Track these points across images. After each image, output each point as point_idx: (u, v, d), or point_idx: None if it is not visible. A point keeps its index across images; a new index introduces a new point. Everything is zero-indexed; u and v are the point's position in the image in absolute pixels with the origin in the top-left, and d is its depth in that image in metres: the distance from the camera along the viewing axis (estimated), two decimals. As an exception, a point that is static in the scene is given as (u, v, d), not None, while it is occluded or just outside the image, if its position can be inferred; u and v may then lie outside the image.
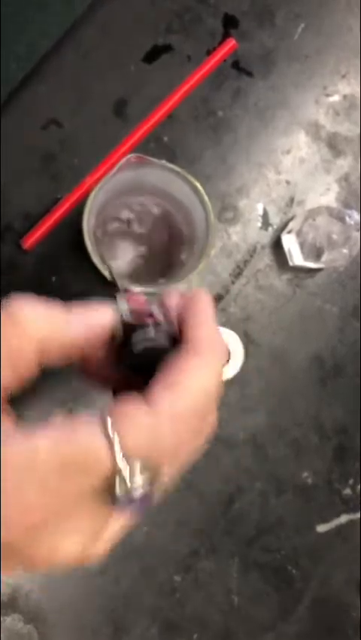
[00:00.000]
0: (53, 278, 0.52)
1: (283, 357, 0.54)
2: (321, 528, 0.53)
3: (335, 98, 0.56)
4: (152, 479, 0.21)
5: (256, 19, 0.56)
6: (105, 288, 0.52)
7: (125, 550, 0.51)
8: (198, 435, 0.23)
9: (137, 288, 0.27)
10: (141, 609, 0.51)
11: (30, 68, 0.53)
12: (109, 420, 0.20)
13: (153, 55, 0.54)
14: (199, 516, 0.52)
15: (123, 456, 0.20)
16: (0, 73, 0.51)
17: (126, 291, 0.28)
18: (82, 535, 0.21)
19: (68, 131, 0.53)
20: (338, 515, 0.53)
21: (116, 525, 0.23)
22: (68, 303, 0.24)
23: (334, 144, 0.56)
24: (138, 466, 0.21)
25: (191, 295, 0.25)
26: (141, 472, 0.21)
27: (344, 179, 0.56)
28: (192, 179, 0.47)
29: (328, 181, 0.56)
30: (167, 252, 0.52)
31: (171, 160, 0.53)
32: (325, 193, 0.56)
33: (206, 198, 0.47)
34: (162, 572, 0.51)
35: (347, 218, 0.50)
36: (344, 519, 0.53)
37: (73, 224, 0.52)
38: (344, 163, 0.56)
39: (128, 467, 0.20)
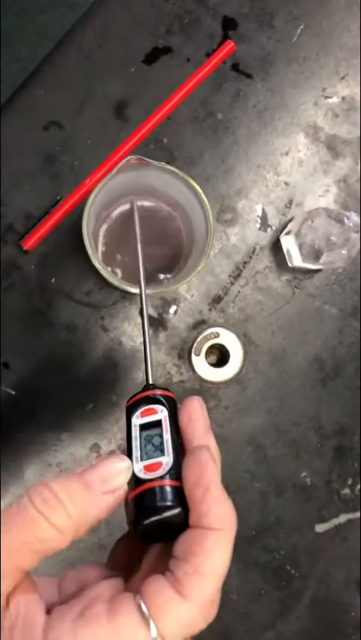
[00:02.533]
0: (53, 279, 0.52)
1: (283, 357, 0.54)
2: (320, 527, 0.53)
3: (334, 99, 0.57)
4: None
5: (255, 21, 0.56)
6: (105, 289, 0.53)
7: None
8: (218, 603, 0.25)
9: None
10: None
11: (31, 70, 0.53)
12: (153, 627, 0.22)
13: (153, 57, 0.55)
14: (199, 515, 0.52)
15: None
16: (1, 74, 0.52)
17: (139, 403, 0.30)
18: None
19: (68, 132, 0.53)
20: (337, 515, 0.53)
21: None
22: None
23: (333, 146, 0.56)
24: None
25: (198, 458, 0.26)
26: None
27: (343, 181, 0.56)
28: (191, 181, 0.48)
29: (327, 182, 0.56)
30: (166, 253, 0.52)
31: (171, 161, 0.54)
32: (324, 195, 0.56)
33: (205, 199, 0.47)
34: None
35: (346, 220, 0.50)
36: (343, 518, 0.53)
37: (73, 224, 0.52)
38: (343, 165, 0.56)
39: None
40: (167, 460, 0.27)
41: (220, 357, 0.54)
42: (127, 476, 0.26)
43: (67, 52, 0.54)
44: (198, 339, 0.53)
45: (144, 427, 0.29)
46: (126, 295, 0.53)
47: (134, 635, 0.22)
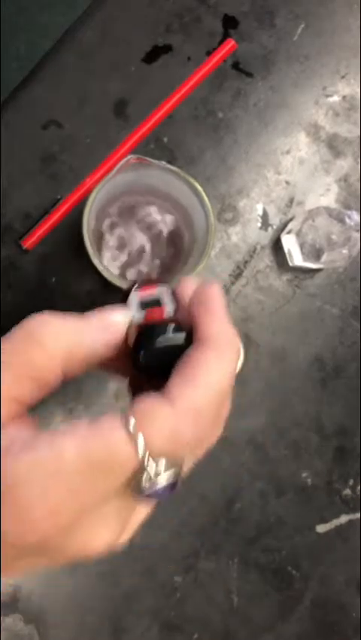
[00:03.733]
0: (53, 279, 0.52)
1: (283, 357, 0.54)
2: (321, 528, 0.53)
3: (335, 98, 0.56)
4: (175, 471, 0.22)
5: (255, 19, 0.56)
6: (105, 289, 0.52)
7: (125, 550, 0.51)
8: (215, 426, 0.24)
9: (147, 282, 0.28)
10: (141, 609, 0.51)
11: (30, 69, 0.53)
12: (132, 420, 0.21)
13: (153, 55, 0.54)
14: (199, 516, 0.52)
15: (148, 454, 0.21)
16: (0, 73, 0.51)
17: (139, 286, 0.28)
18: (110, 530, 0.22)
19: (68, 131, 0.53)
20: (337, 515, 0.53)
21: (142, 512, 0.24)
22: (75, 303, 0.25)
23: (334, 145, 0.56)
24: (162, 463, 0.21)
25: (203, 287, 0.26)
26: (166, 468, 0.21)
27: (344, 180, 0.56)
28: (191, 180, 0.47)
29: (327, 181, 0.56)
30: (167, 253, 0.52)
31: (171, 160, 0.53)
32: (325, 194, 0.56)
33: (206, 199, 0.47)
34: (162, 572, 0.51)
35: (347, 219, 0.50)
36: (343, 519, 0.53)
37: (73, 224, 0.52)
38: (344, 164, 0.56)
39: (153, 465, 0.21)
40: (169, 308, 0.26)
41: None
42: (126, 317, 0.26)
43: (66, 50, 0.54)
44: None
45: (143, 305, 0.27)
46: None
47: (115, 434, 0.21)
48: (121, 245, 0.52)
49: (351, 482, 0.54)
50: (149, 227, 0.52)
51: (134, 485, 0.21)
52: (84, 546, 0.22)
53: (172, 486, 0.22)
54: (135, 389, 0.28)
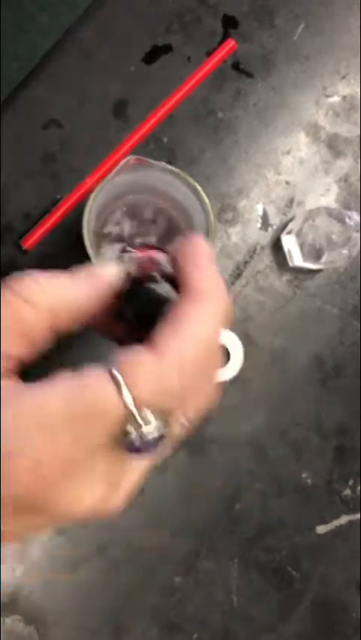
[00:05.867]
0: (53, 279, 0.52)
1: (283, 357, 0.54)
2: (321, 528, 0.53)
3: (335, 99, 0.56)
4: (163, 423, 0.21)
5: (255, 19, 0.56)
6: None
7: (125, 550, 0.51)
8: (205, 380, 0.23)
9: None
10: (141, 609, 0.51)
11: (30, 68, 0.53)
12: (114, 368, 0.20)
13: (153, 55, 0.54)
14: (199, 516, 0.52)
15: (133, 402, 0.20)
16: (0, 73, 0.51)
17: (136, 247, 0.28)
18: (99, 485, 0.22)
19: (68, 131, 0.53)
20: (337, 516, 0.53)
21: (134, 473, 0.23)
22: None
23: (334, 145, 0.56)
24: (148, 412, 0.21)
25: (188, 240, 0.25)
26: (153, 418, 0.21)
27: (344, 180, 0.56)
28: (191, 180, 0.47)
29: (328, 181, 0.56)
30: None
31: (171, 160, 0.53)
32: (325, 194, 0.56)
33: (206, 199, 0.47)
34: (162, 572, 0.51)
35: (347, 219, 0.50)
36: (343, 519, 0.53)
37: (73, 224, 0.52)
38: (344, 164, 0.56)
39: (139, 413, 0.20)
40: (162, 263, 0.25)
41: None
42: (116, 270, 0.25)
43: (66, 50, 0.53)
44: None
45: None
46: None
47: (100, 383, 0.20)
48: (121, 245, 0.52)
49: (351, 482, 0.54)
50: (148, 226, 0.52)
51: (122, 437, 0.21)
52: (73, 501, 0.21)
53: (161, 441, 0.21)
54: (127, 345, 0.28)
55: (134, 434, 0.21)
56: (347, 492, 0.53)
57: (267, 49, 0.56)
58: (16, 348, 0.23)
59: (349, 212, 0.51)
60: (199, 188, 0.47)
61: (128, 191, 0.51)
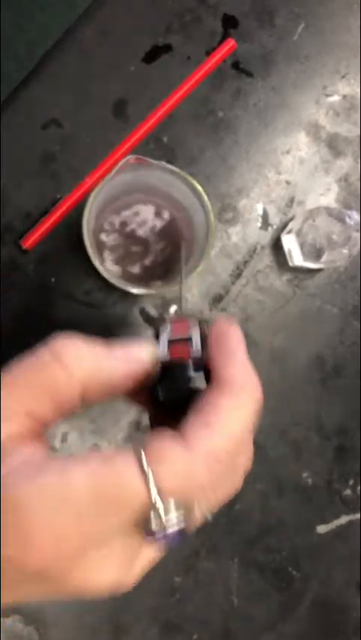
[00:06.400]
0: (53, 279, 0.52)
1: (283, 357, 0.54)
2: (321, 528, 0.53)
3: (335, 98, 0.56)
4: (185, 515, 0.22)
5: (255, 19, 0.56)
6: (105, 289, 0.52)
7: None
8: (232, 474, 0.24)
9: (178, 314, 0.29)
10: (141, 609, 0.51)
11: (30, 68, 0.53)
12: (144, 457, 0.21)
13: (153, 55, 0.54)
14: (199, 516, 0.52)
15: (158, 493, 0.21)
16: (0, 73, 0.51)
17: (171, 321, 0.28)
18: (115, 566, 0.22)
19: (67, 131, 0.53)
20: (338, 516, 0.53)
21: (150, 554, 0.23)
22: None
23: (334, 145, 0.56)
24: (172, 503, 0.21)
25: (220, 326, 0.26)
26: (175, 509, 0.21)
27: (344, 180, 0.56)
28: (191, 180, 0.47)
29: (328, 181, 0.56)
30: (167, 253, 0.52)
31: (171, 160, 0.53)
32: (325, 194, 0.56)
33: (206, 198, 0.47)
34: (162, 572, 0.51)
35: (347, 219, 0.50)
36: (344, 519, 0.53)
37: (73, 224, 0.52)
38: (344, 164, 0.56)
39: (162, 504, 0.21)
40: (196, 348, 0.26)
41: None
42: (150, 354, 0.25)
43: (66, 50, 0.53)
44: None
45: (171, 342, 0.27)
46: (126, 295, 0.52)
47: (127, 469, 0.20)
48: (121, 245, 0.52)
49: (351, 482, 0.54)
50: (148, 227, 0.52)
51: (143, 523, 0.21)
52: (87, 580, 0.21)
53: (182, 531, 0.22)
54: (157, 421, 0.28)
55: (155, 525, 0.21)
56: (347, 492, 0.53)
57: (267, 49, 0.56)
58: (44, 410, 0.23)
59: (349, 212, 0.51)
60: (199, 188, 0.47)
61: (129, 191, 0.51)
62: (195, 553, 0.52)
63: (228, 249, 0.54)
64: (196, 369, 0.25)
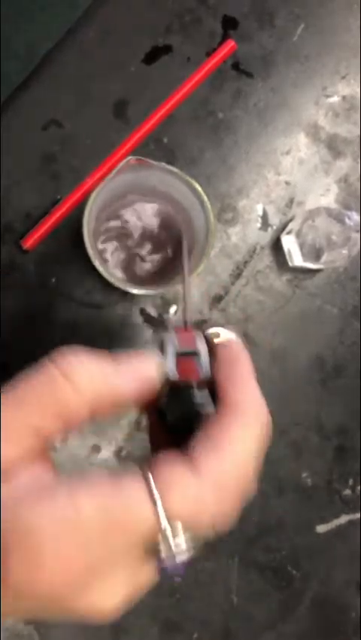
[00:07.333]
0: (53, 279, 0.52)
1: (283, 357, 0.54)
2: (321, 528, 0.53)
3: (335, 99, 0.56)
4: (193, 540, 0.22)
5: (255, 20, 0.56)
6: (105, 289, 0.52)
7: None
8: (240, 499, 0.24)
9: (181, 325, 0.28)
10: (141, 609, 0.51)
11: (30, 69, 0.53)
12: (153, 483, 0.21)
13: (153, 56, 0.55)
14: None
15: (166, 518, 0.21)
16: (0, 73, 0.51)
17: (175, 331, 0.28)
18: (121, 592, 0.22)
19: (68, 131, 0.53)
20: (337, 515, 0.53)
21: (151, 575, 0.23)
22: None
23: (333, 146, 0.56)
24: (180, 528, 0.21)
25: (234, 352, 0.25)
26: (183, 533, 0.21)
27: (344, 180, 0.56)
28: (191, 181, 0.47)
29: (327, 182, 0.56)
30: (167, 253, 0.52)
31: (171, 160, 0.53)
32: (324, 194, 0.56)
33: (205, 199, 0.47)
34: (162, 572, 0.51)
35: (347, 219, 0.50)
36: (343, 519, 0.53)
37: (73, 224, 0.52)
38: (344, 164, 0.56)
39: (170, 530, 0.21)
40: (204, 370, 0.26)
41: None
42: (159, 373, 0.25)
43: (67, 51, 0.54)
44: (199, 339, 0.53)
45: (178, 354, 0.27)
46: (126, 295, 0.52)
47: (136, 495, 0.20)
48: (121, 245, 0.52)
49: (351, 482, 0.54)
50: (148, 227, 0.52)
51: (151, 548, 0.21)
52: (92, 605, 0.21)
53: (187, 561, 0.22)
54: (155, 431, 0.28)
55: (164, 551, 0.21)
56: (347, 491, 0.53)
57: (267, 49, 0.56)
58: (50, 427, 0.23)
59: (349, 212, 0.51)
60: (199, 189, 0.47)
61: (128, 191, 0.51)
62: (195, 552, 0.52)
63: (228, 249, 0.54)
64: (203, 387, 0.25)
